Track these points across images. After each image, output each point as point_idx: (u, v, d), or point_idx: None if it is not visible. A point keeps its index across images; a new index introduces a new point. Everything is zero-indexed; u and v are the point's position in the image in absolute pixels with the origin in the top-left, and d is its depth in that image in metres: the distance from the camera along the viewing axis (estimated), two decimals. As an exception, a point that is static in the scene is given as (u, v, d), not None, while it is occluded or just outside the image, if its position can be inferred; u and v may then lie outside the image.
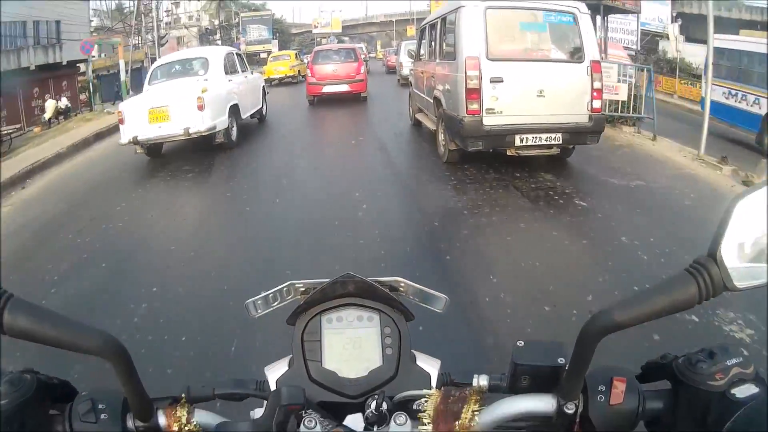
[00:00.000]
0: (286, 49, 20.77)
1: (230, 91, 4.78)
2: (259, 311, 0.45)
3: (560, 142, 3.24)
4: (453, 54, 3.48)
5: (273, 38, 27.10)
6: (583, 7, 3.31)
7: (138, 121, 4.14)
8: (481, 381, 0.37)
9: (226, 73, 4.89)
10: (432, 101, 4.03)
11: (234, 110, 4.70)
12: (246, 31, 26.60)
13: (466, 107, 3.34)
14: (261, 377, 0.41)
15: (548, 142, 3.24)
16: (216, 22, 26.84)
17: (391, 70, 14.54)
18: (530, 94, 3.19)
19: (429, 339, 0.91)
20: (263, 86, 6.31)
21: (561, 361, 0.35)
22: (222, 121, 4.39)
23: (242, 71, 5.44)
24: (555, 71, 3.24)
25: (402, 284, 0.44)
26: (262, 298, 0.44)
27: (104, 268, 2.24)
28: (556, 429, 0.35)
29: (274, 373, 0.42)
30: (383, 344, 0.42)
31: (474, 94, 3.21)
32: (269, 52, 22.29)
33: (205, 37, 24.95)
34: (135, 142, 4.12)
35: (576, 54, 3.30)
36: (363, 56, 9.35)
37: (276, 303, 0.45)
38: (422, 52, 4.88)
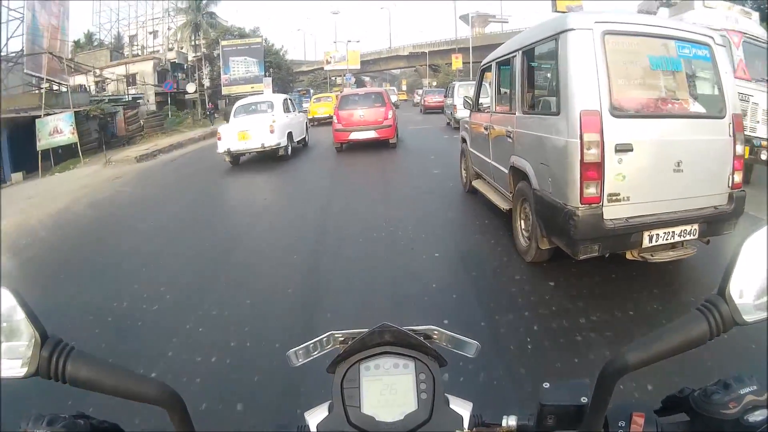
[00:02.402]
0: (284, 92, 23.94)
1: (287, 123, 9.71)
2: (300, 360, 0.62)
3: (696, 236, 2.88)
4: (552, 105, 3.11)
5: (265, 75, 27.38)
6: (717, 36, 3.06)
7: (230, 139, 8.98)
8: (510, 421, 0.54)
9: (285, 111, 9.95)
10: (506, 172, 3.80)
11: (290, 136, 9.68)
12: (229, 66, 26.95)
13: (581, 192, 2.74)
14: (301, 422, 0.57)
15: (682, 238, 2.87)
16: (189, 56, 27.59)
17: (429, 110, 19.43)
18: (666, 168, 2.80)
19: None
20: (306, 122, 12.13)
21: (584, 400, 0.50)
22: (283, 140, 9.19)
23: (293, 111, 10.70)
24: (694, 131, 2.89)
25: (435, 332, 0.62)
26: (303, 348, 0.62)
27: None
28: None
29: (315, 418, 0.56)
30: (418, 389, 0.57)
31: (593, 171, 2.66)
32: (259, 95, 23.99)
33: (170, 74, 25.05)
34: (228, 152, 9.03)
35: (715, 105, 2.97)
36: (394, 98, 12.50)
37: (316, 352, 0.62)
38: (483, 99, 4.90)
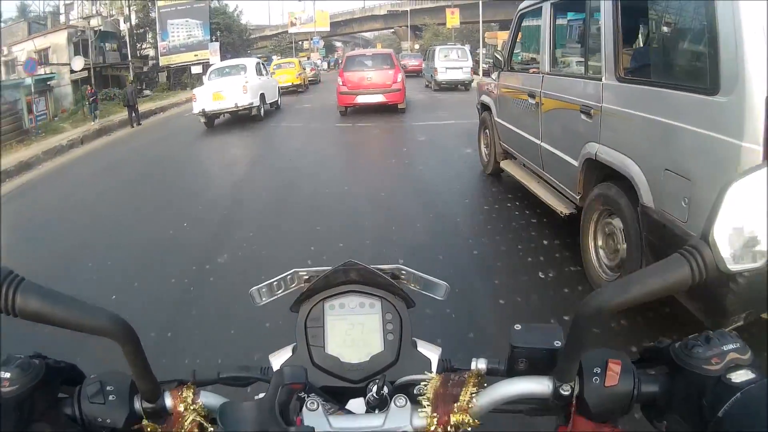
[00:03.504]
0: (240, 57, 22.28)
1: (260, 85, 11.74)
2: (263, 299, 0.71)
3: None
4: (699, 73, 2.22)
5: (212, 39, 25.72)
6: None
7: (205, 99, 10.81)
8: (480, 364, 0.55)
9: (258, 74, 11.86)
10: (574, 164, 3.23)
11: (262, 97, 11.70)
12: (167, 30, 25.07)
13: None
14: (266, 364, 0.64)
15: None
16: (122, 21, 25.46)
17: (411, 74, 20.26)
18: None
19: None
20: (278, 86, 14.22)
21: (557, 344, 0.53)
22: (256, 101, 11.18)
23: (266, 75, 12.81)
24: None
25: (403, 272, 0.69)
26: (267, 286, 0.70)
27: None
28: (552, 410, 0.53)
29: (278, 359, 0.64)
30: (385, 330, 0.64)
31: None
32: (205, 64, 21.98)
33: (93, 46, 22.66)
34: (203, 113, 10.84)
35: None
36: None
37: (280, 291, 0.70)
38: (521, 56, 4.70)
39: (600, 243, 3.00)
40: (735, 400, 0.43)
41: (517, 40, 4.65)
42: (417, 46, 41.17)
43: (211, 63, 19.33)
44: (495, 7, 36.80)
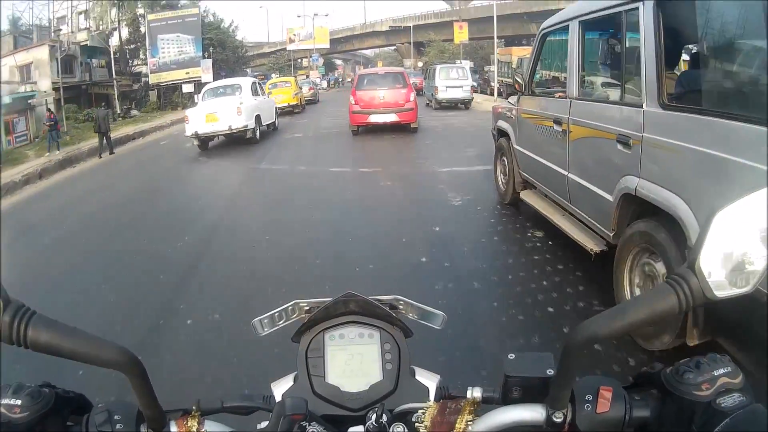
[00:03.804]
0: (235, 75, 22.96)
1: (255, 106, 11.92)
2: (265, 330, 0.76)
3: None
4: (757, 99, 2.15)
5: (204, 56, 25.76)
6: None
7: (198, 121, 10.92)
8: (475, 393, 0.61)
9: (253, 94, 12.23)
10: (609, 199, 3.14)
11: (258, 119, 11.82)
12: (157, 46, 25.03)
13: None
14: (268, 392, 0.69)
15: None
16: (116, 36, 25.65)
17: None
18: None
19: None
20: (275, 107, 14.46)
21: (550, 372, 0.57)
22: (251, 123, 11.38)
23: (262, 95, 13.12)
24: None
25: (401, 302, 0.75)
26: (269, 317, 0.75)
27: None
28: None
29: (280, 387, 0.69)
30: (383, 360, 0.69)
31: None
32: (197, 82, 22.15)
33: (78, 62, 22.68)
34: (196, 135, 10.92)
35: None
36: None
37: (281, 321, 0.76)
38: (544, 78, 4.70)
39: (637, 282, 2.86)
40: (724, 425, 0.47)
41: (537, 62, 4.59)
42: (420, 64, 41.65)
43: (203, 81, 19.48)
44: (502, 21, 37.25)
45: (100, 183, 9.27)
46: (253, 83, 12.65)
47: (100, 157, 12.06)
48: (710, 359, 0.53)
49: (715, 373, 0.51)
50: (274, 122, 13.73)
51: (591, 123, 3.32)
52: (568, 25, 3.76)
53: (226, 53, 30.14)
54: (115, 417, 0.56)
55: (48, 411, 0.54)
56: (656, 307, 0.48)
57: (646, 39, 2.71)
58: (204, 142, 11.23)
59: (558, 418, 0.55)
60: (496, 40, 23.40)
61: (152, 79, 25.09)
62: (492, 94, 23.93)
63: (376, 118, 11.41)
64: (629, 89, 3.03)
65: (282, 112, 17.37)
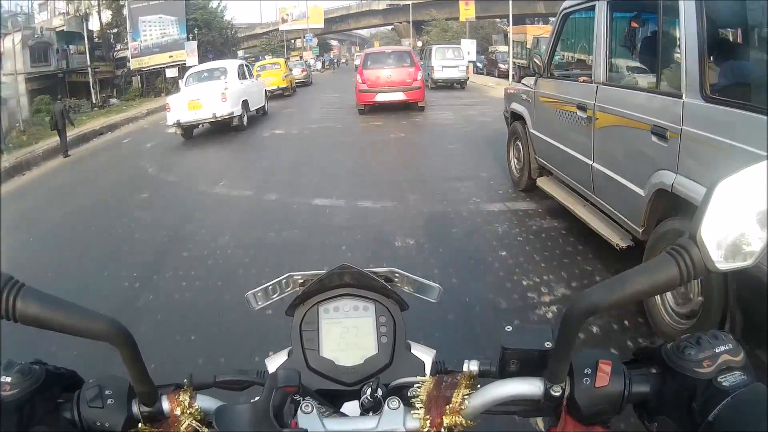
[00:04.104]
0: (224, 58, 22.74)
1: (242, 90, 11.75)
2: (259, 303, 0.79)
3: None
4: None
5: (188, 38, 25.33)
6: None
7: (180, 109, 10.62)
8: (472, 366, 0.63)
9: (240, 78, 11.99)
10: (641, 193, 3.10)
11: (245, 104, 11.73)
12: (138, 29, 24.59)
13: None
14: (263, 368, 0.72)
15: None
16: (86, 20, 25.01)
17: None
18: None
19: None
20: (265, 89, 14.36)
21: (548, 345, 0.59)
22: (237, 109, 11.10)
23: (250, 78, 13.00)
24: None
25: (397, 275, 0.77)
26: (262, 290, 0.79)
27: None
28: (544, 411, 0.60)
29: (274, 362, 0.72)
30: (378, 333, 0.72)
31: None
32: (181, 66, 21.81)
33: (53, 49, 22.02)
34: (178, 124, 10.64)
35: None
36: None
37: (275, 295, 0.79)
38: (565, 60, 4.91)
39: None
40: (725, 404, 0.49)
41: (557, 43, 4.58)
42: (420, 44, 41.44)
43: (188, 65, 19.17)
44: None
45: (46, 197, 7.74)
46: (240, 66, 12.41)
47: (66, 156, 10.78)
48: (711, 335, 0.54)
49: (717, 350, 0.53)
50: (264, 106, 13.59)
51: (621, 111, 3.27)
52: (594, 5, 3.73)
53: (212, 34, 29.64)
54: (106, 392, 0.58)
55: (38, 388, 0.56)
56: (657, 278, 0.49)
57: (686, 25, 2.65)
58: (188, 130, 10.91)
59: (556, 391, 0.57)
60: (511, 17, 22.76)
61: (133, 64, 24.66)
62: (501, 76, 23.60)
63: (383, 97, 11.88)
64: (666, 77, 2.97)
65: (271, 95, 17.26)
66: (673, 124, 2.72)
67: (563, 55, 5.29)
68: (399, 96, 11.84)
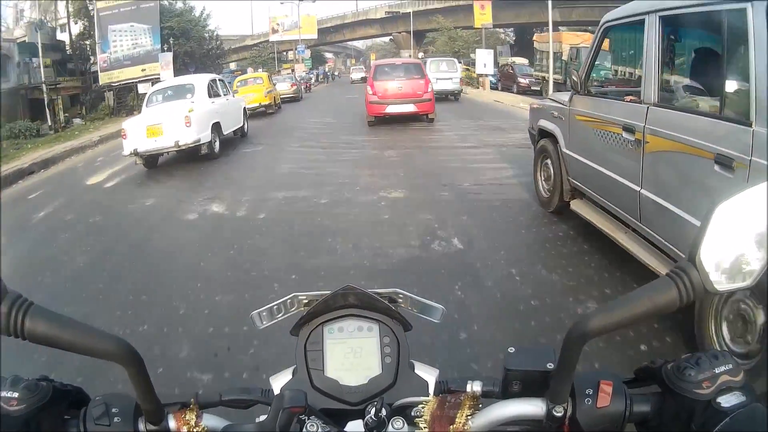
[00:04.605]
0: (206, 71, 22.50)
1: (212, 111, 10.76)
2: (264, 322, 0.85)
3: None
4: None
5: (163, 49, 24.83)
6: None
7: (137, 136, 9.59)
8: (475, 387, 0.70)
9: (210, 96, 11.04)
10: None
11: (216, 127, 10.68)
12: (108, 39, 24.11)
13: None
14: (267, 386, 0.78)
15: None
16: (73, 27, 24.95)
17: None
18: None
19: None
20: (244, 107, 13.56)
21: (550, 366, 0.65)
22: (205, 135, 10.08)
23: (224, 94, 11.97)
24: None
25: (400, 296, 0.84)
26: (267, 310, 0.84)
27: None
28: (546, 431, 0.66)
29: (279, 381, 0.78)
30: (383, 353, 0.78)
31: None
32: (154, 81, 21.12)
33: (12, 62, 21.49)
34: (135, 153, 9.55)
35: None
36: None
37: (280, 315, 0.85)
38: (611, 77, 5.82)
39: (727, 322, 3.00)
40: (724, 425, 0.54)
41: (595, 58, 4.74)
42: (421, 55, 41.73)
43: (162, 79, 18.67)
44: (516, 7, 36.80)
45: None
46: (212, 81, 11.45)
47: None
48: (711, 355, 0.60)
49: (716, 370, 0.58)
50: (242, 127, 12.85)
51: (678, 136, 3.31)
52: (643, 20, 3.76)
53: (190, 45, 29.26)
54: (113, 410, 0.64)
55: (45, 404, 0.61)
56: (656, 301, 0.55)
57: (757, 48, 2.72)
58: (150, 160, 9.81)
59: (558, 412, 0.63)
60: (551, 23, 21.34)
61: (102, 78, 24.01)
62: (522, 92, 23.21)
63: (394, 109, 12.83)
64: (731, 102, 3.04)
65: (251, 114, 16.68)
66: (741, 154, 2.76)
67: (605, 72, 5.81)
68: (410, 108, 12.82)
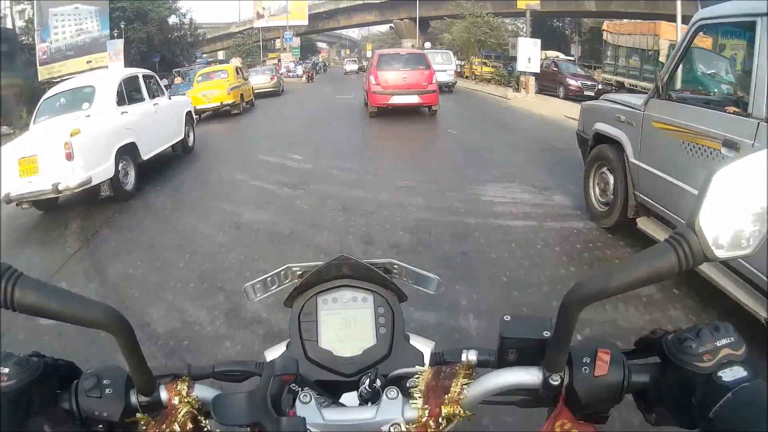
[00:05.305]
0: (170, 67, 21.21)
1: (122, 127, 7.82)
2: (258, 295, 0.93)
3: None
4: None
5: (112, 36, 23.71)
6: None
7: (9, 174, 6.76)
8: (470, 356, 0.73)
9: (120, 103, 8.15)
10: None
11: (129, 152, 7.81)
12: (49, 27, 22.91)
13: None
14: (262, 359, 0.83)
15: None
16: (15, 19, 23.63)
17: None
18: None
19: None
20: (189, 111, 11.04)
21: (546, 334, 0.69)
22: (101, 170, 7.02)
23: (151, 97, 9.34)
24: None
25: (395, 266, 0.91)
26: (261, 282, 0.93)
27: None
28: (542, 400, 0.69)
29: (273, 354, 0.84)
30: (377, 324, 0.84)
31: None
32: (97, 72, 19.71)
33: None
34: (7, 200, 6.71)
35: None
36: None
37: (274, 287, 0.93)
38: (703, 82, 5.23)
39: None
40: (726, 400, 0.57)
41: (682, 60, 4.75)
42: (428, 45, 40.29)
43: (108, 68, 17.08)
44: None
45: None
46: (127, 80, 8.62)
47: None
48: (713, 328, 0.63)
49: (718, 343, 0.61)
50: (183, 140, 10.32)
51: None
52: (754, 22, 3.83)
53: (148, 29, 27.62)
54: (104, 382, 0.68)
55: (36, 379, 0.65)
56: (655, 266, 0.57)
57: None
58: (45, 202, 7.14)
59: (555, 380, 0.66)
60: (679, 16, 14.58)
61: (42, 73, 22.84)
62: (571, 98, 19.30)
63: (398, 100, 13.55)
64: None
65: (215, 114, 15.90)
66: None
67: (693, 76, 5.52)
68: (414, 99, 13.65)
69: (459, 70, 32.65)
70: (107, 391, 0.66)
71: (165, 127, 9.48)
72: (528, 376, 0.67)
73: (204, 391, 0.71)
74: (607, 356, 0.64)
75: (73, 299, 0.61)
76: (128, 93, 8.43)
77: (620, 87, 22.10)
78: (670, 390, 0.63)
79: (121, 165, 7.44)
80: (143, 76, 9.36)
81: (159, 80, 10.23)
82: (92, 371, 0.68)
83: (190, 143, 10.79)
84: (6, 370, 0.62)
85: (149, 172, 8.49)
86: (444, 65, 22.92)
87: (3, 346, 0.81)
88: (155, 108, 9.18)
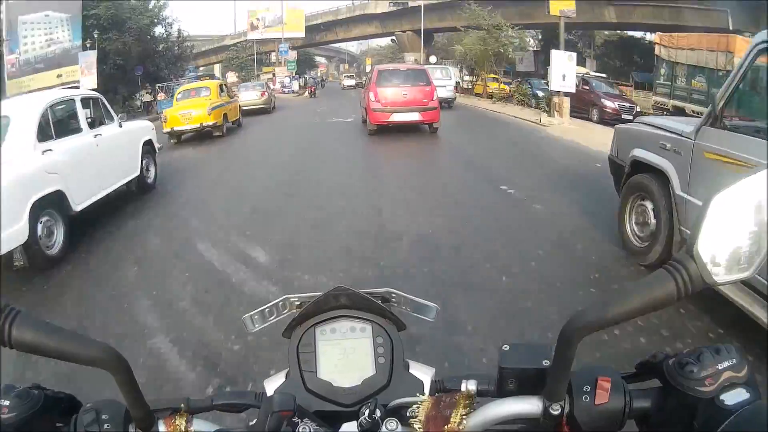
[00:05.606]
0: (155, 81, 19.81)
1: (41, 172, 6.18)
2: (256, 326, 0.98)
3: None
4: None
5: (84, 47, 22.73)
6: None
7: None
8: (470, 386, 0.76)
9: (44, 138, 6.53)
10: None
11: (52, 202, 6.20)
12: (17, 36, 21.91)
13: None
14: (260, 390, 0.89)
15: None
16: None
17: None
18: None
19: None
20: (148, 140, 9.48)
21: (546, 363, 0.73)
22: (15, 234, 5.39)
23: (93, 126, 7.88)
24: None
25: (393, 295, 0.97)
26: (259, 313, 0.98)
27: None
28: (543, 430, 0.71)
29: (272, 384, 0.89)
30: (376, 354, 0.90)
31: None
32: (74, 89, 18.58)
33: None
34: None
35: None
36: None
37: (272, 317, 0.98)
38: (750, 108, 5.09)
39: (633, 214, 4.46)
40: (728, 424, 0.59)
41: (739, 84, 4.58)
42: (433, 59, 39.74)
43: (87, 88, 15.99)
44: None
45: None
46: (54, 107, 7.05)
47: None
48: (714, 350, 0.66)
49: (719, 366, 0.64)
50: (139, 176, 8.91)
51: None
52: None
53: (124, 39, 26.23)
54: (103, 417, 0.72)
55: (36, 412, 0.70)
56: (654, 294, 0.60)
57: None
58: None
59: (555, 410, 0.69)
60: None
61: (10, 88, 21.73)
62: (607, 122, 17.44)
63: (399, 117, 14.09)
64: None
65: (192, 136, 15.68)
66: None
67: (750, 100, 5.09)
68: (415, 116, 14.23)
69: (470, 87, 34.94)
70: (106, 426, 0.70)
71: (111, 165, 8.04)
72: (528, 405, 0.70)
73: (203, 426, 0.77)
74: (607, 384, 0.67)
75: (71, 338, 0.65)
76: (57, 124, 6.90)
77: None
78: (672, 415, 0.66)
79: (42, 223, 5.94)
80: (82, 99, 7.88)
81: (106, 103, 8.61)
82: (91, 405, 0.73)
83: (150, 179, 9.45)
84: (6, 403, 0.68)
85: (90, 224, 7.13)
86: (443, 80, 23.88)
87: (3, 377, 0.86)
88: (97, 140, 7.71)
